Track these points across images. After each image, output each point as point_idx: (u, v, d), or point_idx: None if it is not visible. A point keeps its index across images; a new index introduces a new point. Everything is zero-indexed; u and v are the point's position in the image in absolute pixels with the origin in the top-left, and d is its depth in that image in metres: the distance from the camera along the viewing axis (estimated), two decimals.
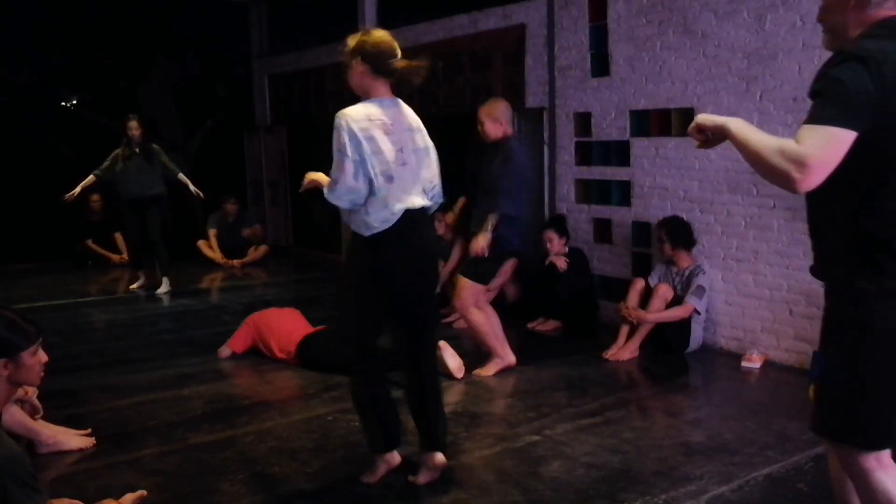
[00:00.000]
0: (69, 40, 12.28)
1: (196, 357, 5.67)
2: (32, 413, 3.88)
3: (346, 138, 3.16)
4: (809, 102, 2.14)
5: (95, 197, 9.75)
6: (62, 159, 12.03)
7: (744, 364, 5.28)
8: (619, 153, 6.26)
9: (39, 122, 12.60)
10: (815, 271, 2.36)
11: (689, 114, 5.72)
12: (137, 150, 7.92)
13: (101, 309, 7.53)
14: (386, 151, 3.17)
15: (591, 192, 6.56)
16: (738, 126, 2.27)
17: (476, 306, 5.05)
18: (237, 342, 5.63)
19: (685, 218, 5.68)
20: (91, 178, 8.00)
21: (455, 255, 6.95)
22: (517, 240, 4.91)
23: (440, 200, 3.50)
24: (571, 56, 6.56)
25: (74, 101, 13.01)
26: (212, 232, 9.87)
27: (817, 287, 5.12)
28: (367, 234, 3.21)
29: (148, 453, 3.88)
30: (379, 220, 3.18)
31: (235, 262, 9.65)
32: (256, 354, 5.68)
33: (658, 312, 5.45)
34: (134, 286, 8.30)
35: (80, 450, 3.91)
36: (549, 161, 6.83)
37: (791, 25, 5.06)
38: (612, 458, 3.73)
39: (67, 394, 4.75)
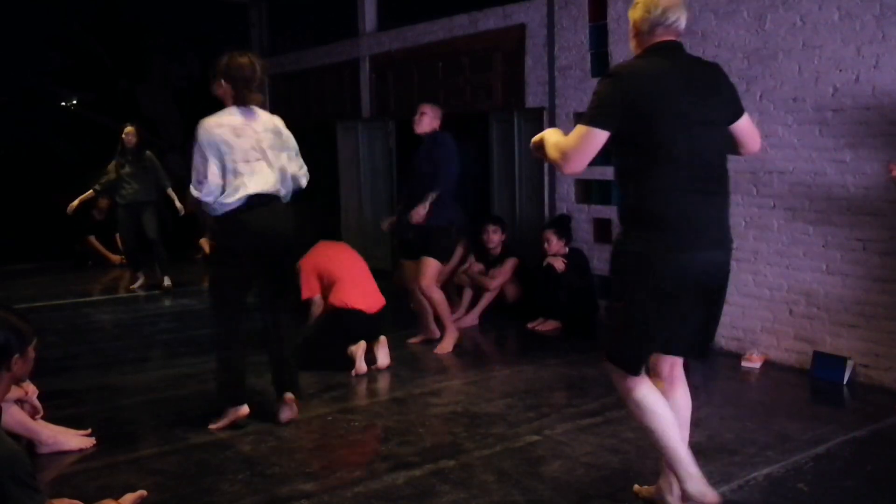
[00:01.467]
0: (69, 40, 12.27)
1: (196, 357, 5.66)
2: (32, 413, 3.88)
3: (204, 144, 3.93)
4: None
5: (102, 196, 9.75)
6: (62, 159, 12.02)
7: (744, 364, 5.28)
8: None
9: (39, 122, 12.59)
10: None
11: None
12: (130, 158, 7.99)
13: (101, 309, 7.53)
14: (236, 149, 3.91)
15: (591, 192, 6.56)
16: (547, 134, 2.99)
17: (437, 285, 5.77)
18: (309, 288, 5.45)
19: None
20: (90, 192, 8.10)
21: (456, 254, 6.96)
22: (452, 213, 5.68)
23: (298, 186, 4.24)
24: (571, 56, 6.56)
25: (74, 101, 13.01)
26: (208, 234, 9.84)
27: (817, 287, 5.15)
28: (220, 213, 3.96)
29: (148, 453, 3.88)
30: (231, 203, 3.92)
31: None
32: (256, 354, 5.68)
33: None
34: (134, 286, 8.30)
35: (80, 450, 3.91)
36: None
37: (791, 25, 5.06)
38: (612, 458, 3.73)
39: (67, 394, 4.75)
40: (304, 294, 5.42)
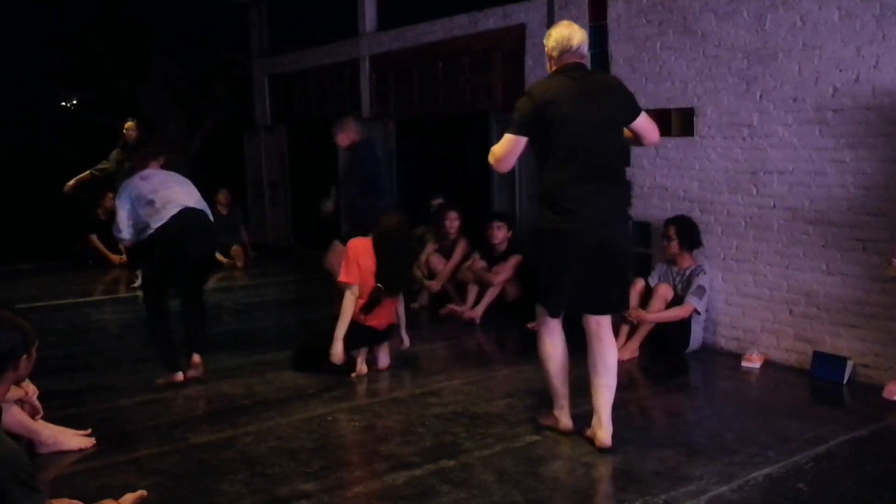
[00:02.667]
0: (69, 40, 12.28)
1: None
2: (33, 413, 3.88)
3: (123, 197, 5.03)
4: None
5: (110, 194, 9.74)
6: (62, 159, 12.02)
7: (744, 364, 5.28)
8: None
9: (39, 122, 12.60)
10: None
11: (689, 114, 5.72)
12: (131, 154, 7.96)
13: (101, 309, 7.53)
14: (145, 192, 4.99)
15: None
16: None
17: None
18: (348, 273, 5.12)
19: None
20: (87, 173, 8.03)
21: (457, 253, 6.97)
22: (371, 214, 5.85)
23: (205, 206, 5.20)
24: None
25: (74, 101, 13.02)
26: None
27: (817, 287, 5.15)
28: (154, 227, 4.91)
29: (148, 453, 3.88)
30: (156, 221, 4.91)
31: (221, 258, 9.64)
32: (256, 353, 5.69)
33: (658, 312, 5.45)
34: (135, 285, 8.29)
35: (80, 450, 3.90)
36: None
37: (791, 25, 5.06)
38: (612, 458, 3.73)
39: (67, 394, 4.74)
40: (343, 277, 5.09)
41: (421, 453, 3.83)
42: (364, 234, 5.41)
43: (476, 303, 6.61)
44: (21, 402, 3.80)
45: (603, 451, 3.76)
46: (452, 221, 7.05)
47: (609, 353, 3.88)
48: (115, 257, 9.86)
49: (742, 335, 5.52)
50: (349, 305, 5.04)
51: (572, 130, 3.65)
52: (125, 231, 5.06)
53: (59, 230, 10.26)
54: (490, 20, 7.38)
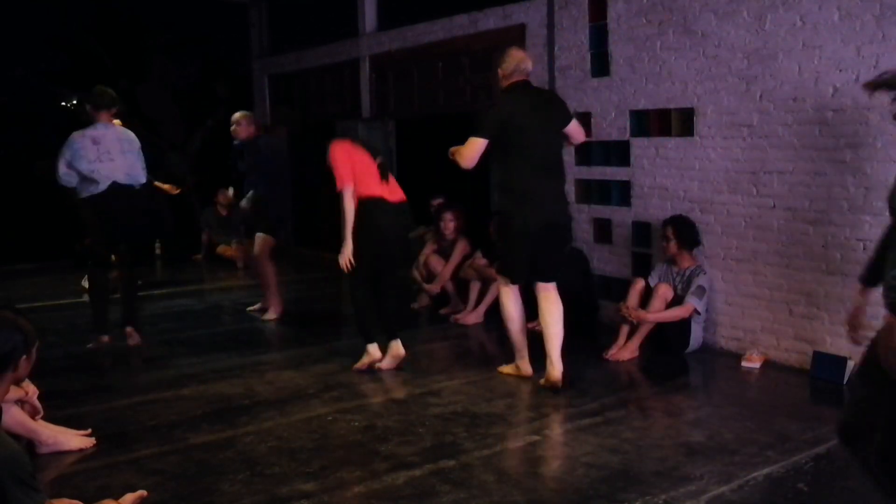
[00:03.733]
0: (69, 40, 12.29)
1: (196, 357, 5.67)
2: (33, 413, 3.88)
3: (65, 148, 5.58)
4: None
5: None
6: None
7: (744, 364, 5.28)
8: (619, 153, 6.27)
9: (39, 122, 12.60)
10: None
11: (689, 114, 5.72)
12: None
13: None
14: (91, 153, 5.57)
15: (591, 192, 6.56)
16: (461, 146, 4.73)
17: (268, 258, 6.80)
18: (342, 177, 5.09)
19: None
20: None
21: (457, 253, 6.96)
22: (272, 210, 6.77)
23: (141, 180, 5.87)
24: (571, 56, 6.56)
25: (74, 101, 13.02)
26: (204, 235, 9.89)
27: (817, 287, 5.15)
28: (84, 196, 5.66)
29: (148, 453, 3.88)
30: (88, 189, 5.62)
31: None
32: (255, 354, 5.69)
33: (658, 312, 5.45)
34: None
35: (80, 450, 3.91)
36: None
37: (791, 25, 5.06)
38: (612, 458, 3.73)
39: (67, 394, 4.75)
40: (341, 184, 5.05)
41: (421, 453, 3.83)
42: (270, 230, 6.48)
43: (477, 301, 6.61)
44: (21, 402, 3.80)
45: (556, 390, 4.65)
46: (448, 223, 7.03)
47: (555, 307, 4.80)
48: (114, 257, 9.86)
49: (742, 335, 5.52)
50: (349, 207, 5.03)
51: (529, 135, 4.64)
52: (65, 179, 5.65)
53: (59, 230, 10.24)
54: (490, 20, 7.38)
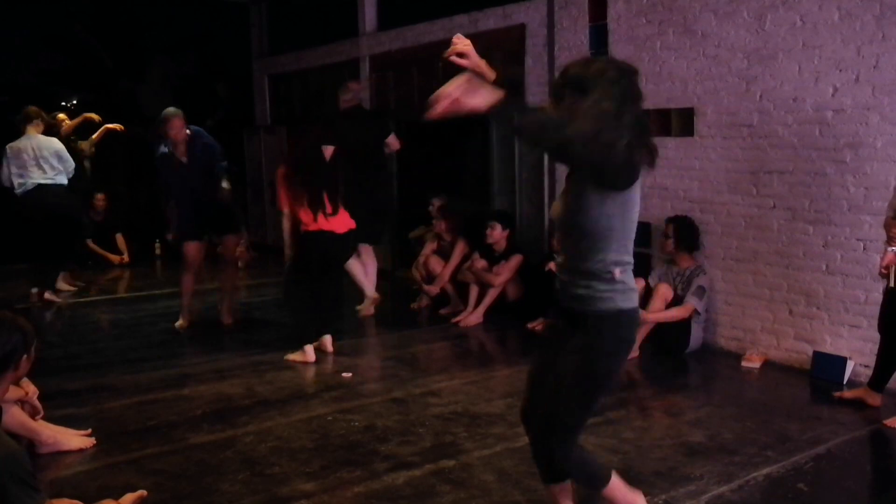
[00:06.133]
0: (69, 40, 12.28)
1: (196, 357, 5.67)
2: (33, 413, 3.88)
3: (3, 160, 7.11)
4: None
5: (100, 196, 9.74)
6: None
7: (744, 364, 5.28)
8: None
9: None
10: None
11: (688, 114, 5.72)
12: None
13: (101, 309, 7.53)
14: (15, 163, 7.19)
15: None
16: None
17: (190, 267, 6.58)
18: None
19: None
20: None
21: (456, 253, 6.96)
22: (182, 221, 6.37)
23: (62, 180, 7.35)
24: (571, 56, 6.54)
25: (74, 101, 13.00)
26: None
27: (817, 287, 5.15)
28: (18, 193, 7.29)
29: (148, 453, 3.88)
30: (19, 187, 7.22)
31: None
32: (256, 354, 5.69)
33: (658, 312, 5.45)
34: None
35: (80, 450, 3.91)
36: (549, 161, 6.83)
37: (791, 25, 5.06)
38: (612, 458, 3.73)
39: (67, 394, 4.74)
40: (279, 206, 5.68)
41: (421, 453, 3.83)
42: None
43: (477, 303, 6.61)
44: (21, 402, 3.80)
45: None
46: (441, 223, 7.06)
47: (370, 262, 6.62)
48: (114, 257, 9.86)
49: (742, 335, 5.52)
50: (287, 225, 5.61)
51: None
52: (6, 181, 7.22)
53: (58, 230, 10.22)
54: (490, 20, 7.38)
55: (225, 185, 6.33)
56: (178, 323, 6.48)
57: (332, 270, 5.68)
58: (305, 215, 5.45)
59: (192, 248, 6.32)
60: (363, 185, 6.53)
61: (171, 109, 6.27)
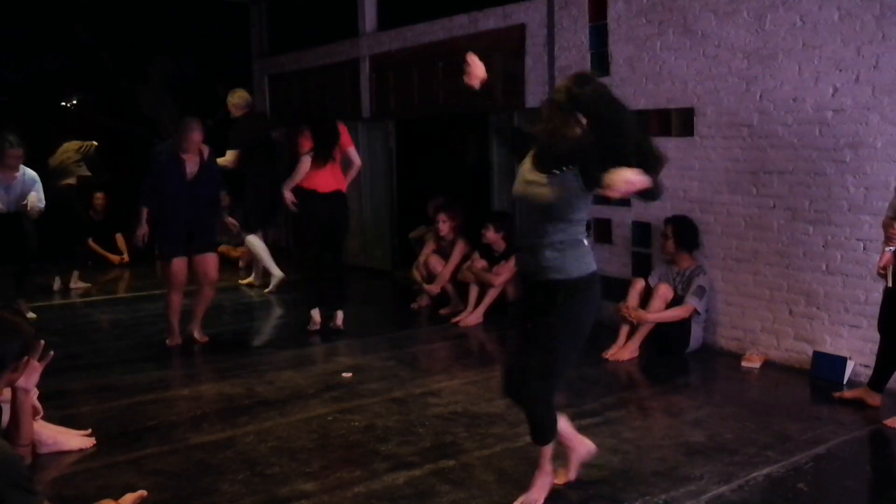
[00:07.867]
0: (69, 40, 12.28)
1: (196, 357, 5.67)
2: (33, 413, 3.87)
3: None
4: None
5: (99, 195, 9.74)
6: None
7: (744, 364, 5.28)
8: None
9: (39, 122, 12.59)
10: None
11: (688, 114, 5.72)
12: None
13: (101, 309, 7.53)
14: None
15: None
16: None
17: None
18: None
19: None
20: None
21: (456, 253, 6.96)
22: (170, 236, 6.00)
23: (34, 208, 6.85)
24: (571, 56, 6.55)
25: (74, 101, 13.00)
26: None
27: (817, 287, 5.15)
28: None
29: (148, 453, 3.88)
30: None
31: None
32: (256, 353, 5.68)
33: (658, 312, 5.45)
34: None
35: (80, 450, 3.91)
36: None
37: (791, 25, 5.06)
38: (612, 458, 3.73)
39: (67, 394, 4.75)
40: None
41: (421, 453, 3.83)
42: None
43: (477, 303, 6.61)
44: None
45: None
46: (443, 223, 7.01)
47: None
48: (114, 257, 9.86)
49: (742, 335, 5.52)
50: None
51: None
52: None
53: (58, 230, 10.23)
54: (490, 20, 7.38)
55: (224, 198, 6.33)
56: (169, 341, 5.98)
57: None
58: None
59: (180, 265, 5.91)
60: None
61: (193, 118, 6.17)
